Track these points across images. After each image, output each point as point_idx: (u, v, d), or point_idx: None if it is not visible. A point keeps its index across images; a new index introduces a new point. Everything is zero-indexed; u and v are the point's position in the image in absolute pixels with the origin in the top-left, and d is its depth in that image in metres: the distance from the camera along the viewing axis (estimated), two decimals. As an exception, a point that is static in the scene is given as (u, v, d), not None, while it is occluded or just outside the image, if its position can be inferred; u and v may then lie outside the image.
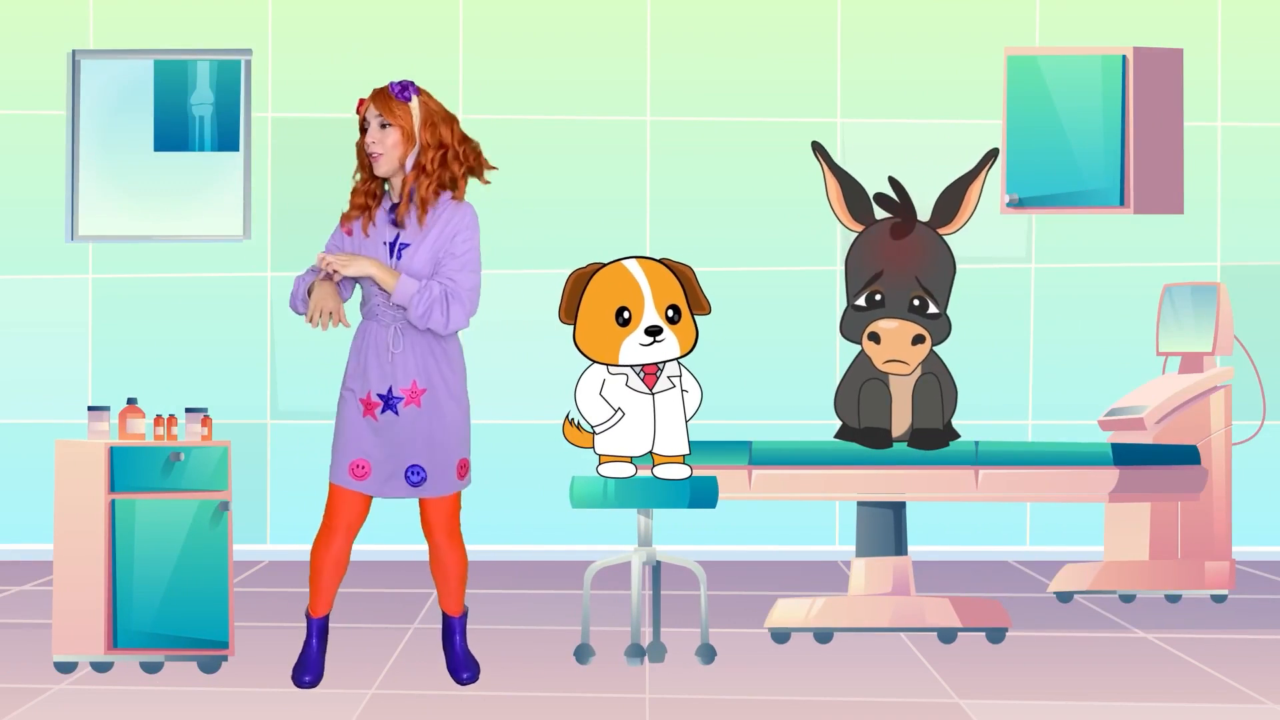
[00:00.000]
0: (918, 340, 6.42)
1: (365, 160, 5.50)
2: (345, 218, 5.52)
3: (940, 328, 6.46)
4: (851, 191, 6.52)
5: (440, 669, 5.76)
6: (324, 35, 8.88)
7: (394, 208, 5.48)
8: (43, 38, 8.88)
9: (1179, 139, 7.83)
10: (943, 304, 6.46)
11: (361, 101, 5.49)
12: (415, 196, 5.45)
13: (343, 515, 5.52)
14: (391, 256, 5.44)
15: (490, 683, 5.68)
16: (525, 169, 8.88)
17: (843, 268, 6.58)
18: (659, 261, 6.01)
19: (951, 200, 6.48)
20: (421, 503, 5.56)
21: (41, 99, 8.90)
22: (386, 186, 5.53)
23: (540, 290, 8.79)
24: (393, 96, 5.44)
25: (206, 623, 5.77)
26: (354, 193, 5.52)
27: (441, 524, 5.56)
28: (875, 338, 6.44)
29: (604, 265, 6.00)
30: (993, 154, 6.51)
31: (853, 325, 6.48)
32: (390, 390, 5.44)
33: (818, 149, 6.58)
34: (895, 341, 6.43)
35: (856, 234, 6.54)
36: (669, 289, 5.98)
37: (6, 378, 8.94)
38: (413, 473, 5.47)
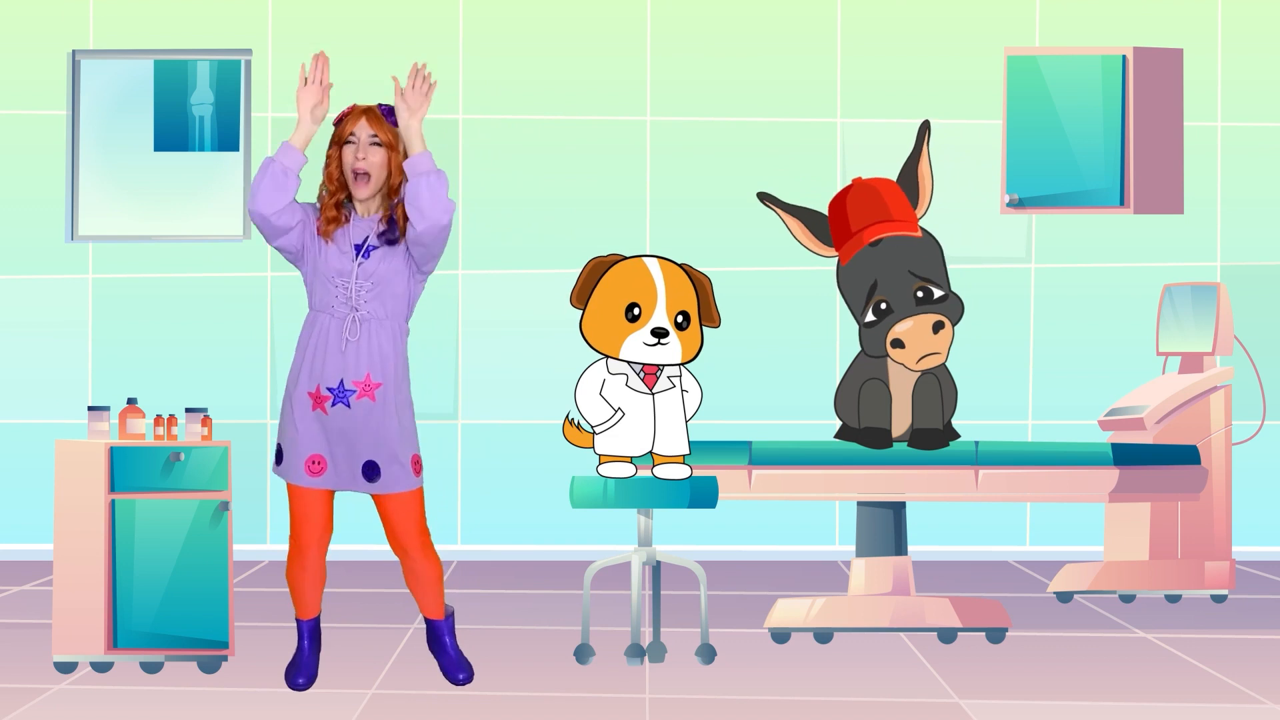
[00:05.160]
0: (938, 327, 6.40)
1: (337, 174, 5.39)
2: (322, 233, 5.40)
3: (953, 308, 6.44)
4: (813, 222, 6.53)
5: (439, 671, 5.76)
6: (324, 35, 8.87)
7: (391, 224, 5.39)
8: (43, 38, 8.88)
9: (1179, 139, 7.83)
10: (945, 285, 6.45)
11: (344, 114, 5.42)
12: (394, 215, 5.40)
13: (309, 526, 5.48)
14: (357, 258, 5.38)
15: (490, 683, 5.68)
16: (525, 169, 8.89)
17: (838, 287, 6.55)
18: (680, 266, 6.01)
19: (906, 185, 6.48)
20: (384, 512, 5.50)
21: (41, 99, 8.90)
22: (347, 201, 5.44)
23: (540, 290, 8.80)
24: (383, 117, 5.41)
25: (206, 623, 5.77)
26: (324, 207, 5.40)
27: (409, 530, 5.49)
28: (898, 344, 6.42)
29: (625, 258, 6.01)
30: (925, 126, 6.51)
31: (873, 340, 6.46)
32: (341, 383, 5.38)
33: (765, 198, 6.59)
34: (918, 338, 6.41)
35: (836, 258, 6.54)
36: (683, 294, 5.98)
37: (6, 378, 8.94)
38: (369, 468, 5.43)
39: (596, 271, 5.99)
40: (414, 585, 5.61)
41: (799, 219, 6.53)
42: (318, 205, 5.45)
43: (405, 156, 5.40)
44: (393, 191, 5.41)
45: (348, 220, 5.41)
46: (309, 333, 5.44)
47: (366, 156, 5.36)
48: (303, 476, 5.44)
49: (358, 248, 5.39)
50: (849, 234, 6.44)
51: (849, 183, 6.52)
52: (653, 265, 5.99)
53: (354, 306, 5.38)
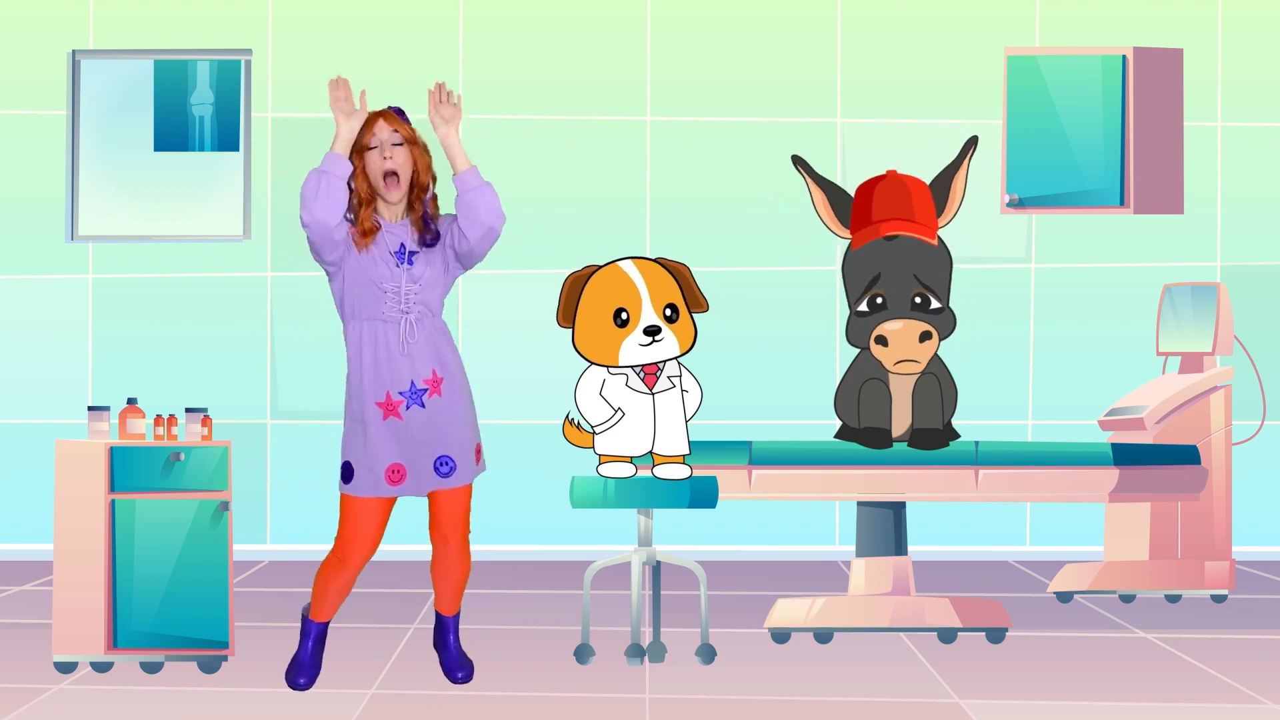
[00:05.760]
0: (925, 337, 6.42)
1: (365, 183, 5.41)
2: (360, 245, 5.43)
3: (945, 322, 6.45)
4: (838, 199, 6.53)
5: (440, 669, 5.76)
6: (324, 35, 8.88)
7: (425, 225, 5.43)
8: (43, 38, 8.88)
9: (1179, 139, 7.83)
10: (944, 298, 6.46)
11: (362, 132, 5.41)
12: (427, 213, 5.45)
13: (365, 541, 5.46)
14: (401, 264, 5.42)
15: (490, 683, 5.68)
16: (525, 169, 8.89)
17: (841, 271, 6.56)
18: (654, 261, 6.01)
19: (938, 193, 6.48)
20: (436, 503, 5.52)
21: (41, 99, 8.90)
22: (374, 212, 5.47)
23: (540, 290, 8.80)
24: (398, 116, 5.46)
25: (206, 623, 5.78)
26: (361, 219, 5.41)
27: (457, 521, 5.52)
28: (883, 341, 6.43)
29: (600, 267, 6.01)
30: (973, 141, 6.51)
31: (858, 331, 6.47)
32: (412, 384, 5.42)
33: (798, 162, 6.58)
34: (903, 341, 6.42)
35: (849, 241, 6.54)
36: (666, 288, 5.98)
37: (6, 378, 8.94)
38: (442, 464, 5.46)
39: (575, 287, 6.00)
40: (441, 577, 5.61)
41: (824, 192, 6.53)
42: (350, 219, 5.45)
43: (426, 152, 5.46)
44: (420, 190, 5.45)
45: (378, 229, 5.44)
46: (359, 344, 5.44)
47: (392, 156, 5.39)
48: (384, 487, 5.43)
49: (398, 254, 5.42)
50: (868, 221, 6.44)
51: (884, 172, 6.51)
52: (629, 267, 6.00)
53: (405, 310, 5.41)
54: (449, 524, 5.54)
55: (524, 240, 8.89)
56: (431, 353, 5.44)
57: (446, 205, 5.53)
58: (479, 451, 5.56)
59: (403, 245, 5.43)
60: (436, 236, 5.44)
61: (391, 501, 5.50)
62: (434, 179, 5.49)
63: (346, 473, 5.47)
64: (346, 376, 5.49)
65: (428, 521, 5.57)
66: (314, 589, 5.58)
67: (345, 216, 5.42)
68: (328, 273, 5.48)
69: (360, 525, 5.46)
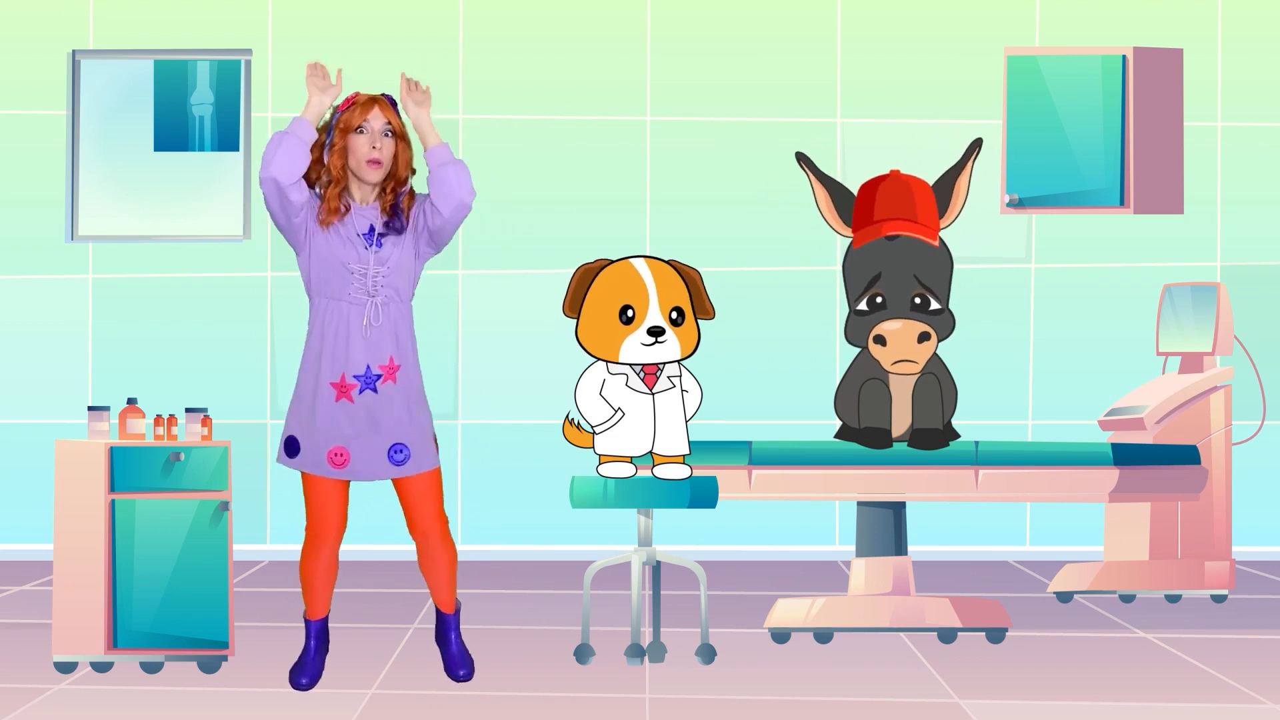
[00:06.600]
0: (923, 338, 6.42)
1: (341, 162, 5.39)
2: (322, 222, 5.43)
3: (944, 323, 6.45)
4: (840, 197, 6.53)
5: (440, 669, 5.76)
6: (324, 35, 8.88)
7: (395, 211, 5.43)
8: (43, 38, 8.88)
9: (1179, 139, 7.83)
10: (944, 299, 6.46)
11: (349, 102, 5.42)
12: (401, 203, 5.44)
13: (329, 518, 5.48)
14: (370, 247, 5.40)
15: (490, 683, 5.68)
16: (525, 169, 8.89)
17: (842, 269, 6.57)
18: (667, 263, 6.01)
19: (941, 194, 6.48)
20: (406, 495, 5.51)
21: (41, 99, 8.90)
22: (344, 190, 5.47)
23: (540, 290, 8.80)
24: (393, 107, 5.44)
25: (206, 623, 5.78)
26: (328, 197, 5.40)
27: (430, 512, 5.52)
28: (881, 340, 6.43)
29: (612, 262, 6.01)
30: (977, 144, 6.51)
31: (857, 330, 6.48)
32: (368, 369, 5.41)
33: (802, 159, 6.58)
34: (901, 341, 6.42)
35: (850, 239, 6.54)
36: (675, 291, 5.98)
37: (6, 378, 8.94)
38: (396, 451, 5.44)
39: (585, 279, 6.00)
40: (430, 572, 5.61)
41: (827, 189, 6.53)
42: (317, 194, 5.45)
43: (409, 148, 5.44)
44: (399, 182, 5.44)
45: (348, 210, 5.43)
46: (322, 322, 5.43)
47: (381, 146, 5.38)
48: (325, 468, 5.43)
49: (366, 236, 5.40)
50: (870, 220, 6.45)
51: (887, 172, 6.51)
52: (640, 265, 5.99)
53: (371, 293, 5.40)
54: (422, 516, 5.53)
55: (524, 240, 8.89)
56: (392, 339, 5.42)
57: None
58: (434, 440, 5.53)
59: (371, 227, 5.42)
60: (404, 227, 5.43)
61: (345, 481, 5.50)
62: (413, 173, 5.49)
63: (291, 447, 5.46)
64: (304, 351, 5.48)
65: (405, 521, 5.56)
66: (301, 583, 5.60)
67: (315, 192, 5.42)
68: (294, 248, 5.46)
69: (323, 500, 5.47)
